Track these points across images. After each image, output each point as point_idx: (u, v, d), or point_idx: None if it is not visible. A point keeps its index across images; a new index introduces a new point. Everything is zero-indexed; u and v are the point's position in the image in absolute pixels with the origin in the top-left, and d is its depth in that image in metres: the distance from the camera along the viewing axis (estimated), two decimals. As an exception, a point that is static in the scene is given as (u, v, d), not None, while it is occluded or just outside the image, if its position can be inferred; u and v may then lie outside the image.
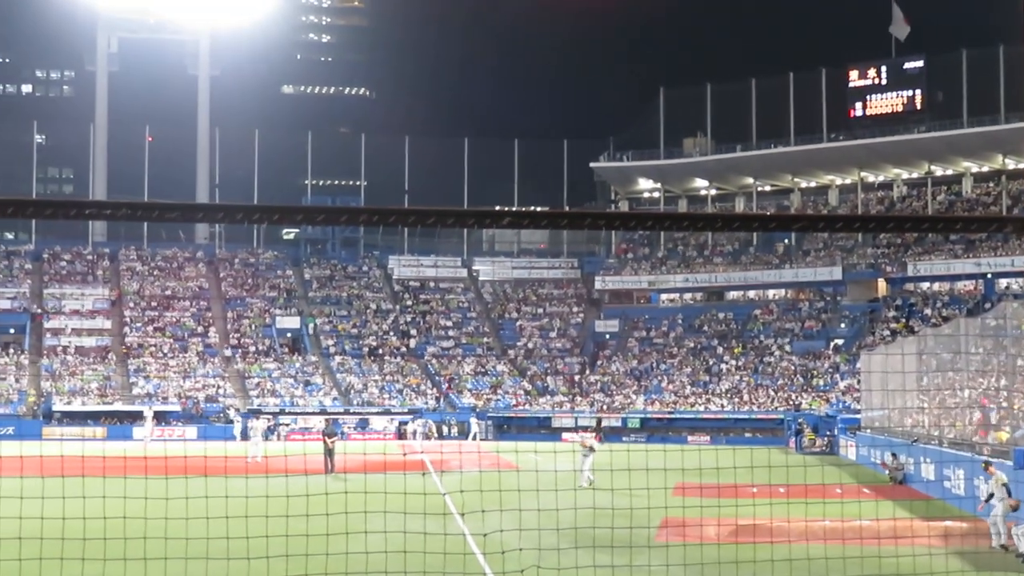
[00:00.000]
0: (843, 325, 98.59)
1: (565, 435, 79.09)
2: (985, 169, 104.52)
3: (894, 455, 49.42)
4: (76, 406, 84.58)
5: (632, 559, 23.06)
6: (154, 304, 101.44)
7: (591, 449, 45.16)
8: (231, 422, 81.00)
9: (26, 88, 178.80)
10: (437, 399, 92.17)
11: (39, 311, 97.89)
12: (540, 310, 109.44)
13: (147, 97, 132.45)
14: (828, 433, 73.66)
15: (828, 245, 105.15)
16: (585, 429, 73.52)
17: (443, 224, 6.27)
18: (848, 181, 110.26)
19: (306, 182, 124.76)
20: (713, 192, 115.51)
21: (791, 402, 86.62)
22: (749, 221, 7.26)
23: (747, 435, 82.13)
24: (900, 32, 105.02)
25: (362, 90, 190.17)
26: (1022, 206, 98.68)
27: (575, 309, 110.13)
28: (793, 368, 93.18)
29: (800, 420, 76.78)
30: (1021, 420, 37.31)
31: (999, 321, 40.97)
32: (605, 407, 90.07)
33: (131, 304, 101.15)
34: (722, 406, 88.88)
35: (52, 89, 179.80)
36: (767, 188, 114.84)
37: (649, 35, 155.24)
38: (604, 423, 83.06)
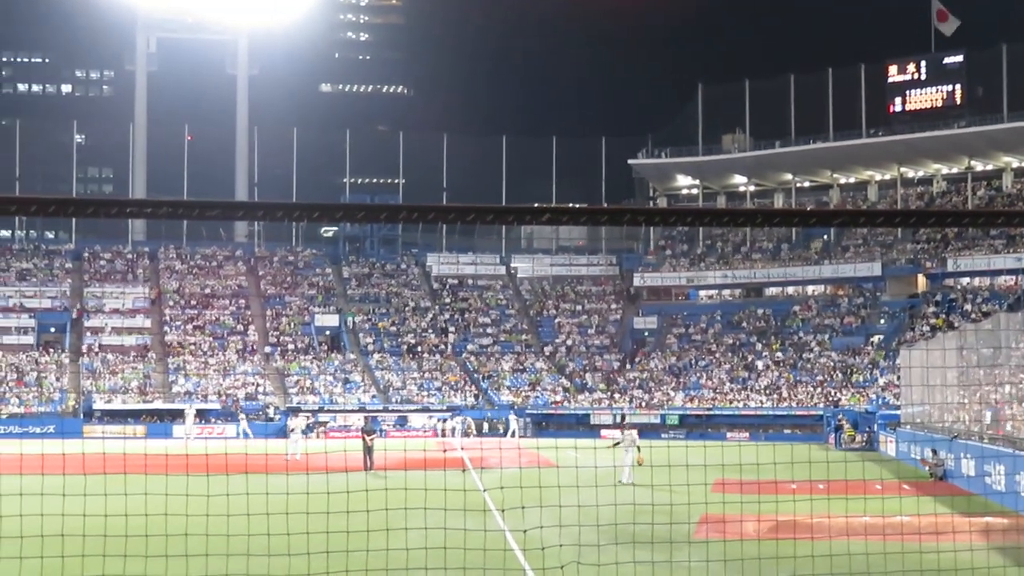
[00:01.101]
0: (882, 321, 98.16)
1: (604, 432, 78.95)
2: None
3: (934, 451, 49.21)
4: (116, 404, 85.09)
5: (672, 555, 23.05)
6: (193, 302, 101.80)
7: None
8: (271, 419, 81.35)
9: (66, 88, 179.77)
10: (476, 396, 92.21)
11: (79, 310, 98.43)
12: (579, 307, 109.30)
13: (186, 96, 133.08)
14: (868, 429, 73.36)
15: (867, 241, 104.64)
16: (619, 427, 72.32)
17: (483, 221, 6.28)
18: (887, 177, 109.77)
19: (344, 180, 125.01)
20: (752, 189, 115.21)
21: (830, 398, 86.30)
22: (790, 216, 7.24)
23: (786, 431, 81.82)
24: (947, 28, 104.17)
25: (400, 88, 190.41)
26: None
27: (613, 306, 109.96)
28: (832, 364, 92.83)
29: (839, 416, 76.54)
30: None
31: (1040, 316, 40.73)
32: (644, 404, 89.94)
33: (171, 303, 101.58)
34: (761, 403, 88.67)
35: (92, 89, 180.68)
36: (806, 184, 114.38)
37: (687, 32, 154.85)
38: (644, 420, 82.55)
